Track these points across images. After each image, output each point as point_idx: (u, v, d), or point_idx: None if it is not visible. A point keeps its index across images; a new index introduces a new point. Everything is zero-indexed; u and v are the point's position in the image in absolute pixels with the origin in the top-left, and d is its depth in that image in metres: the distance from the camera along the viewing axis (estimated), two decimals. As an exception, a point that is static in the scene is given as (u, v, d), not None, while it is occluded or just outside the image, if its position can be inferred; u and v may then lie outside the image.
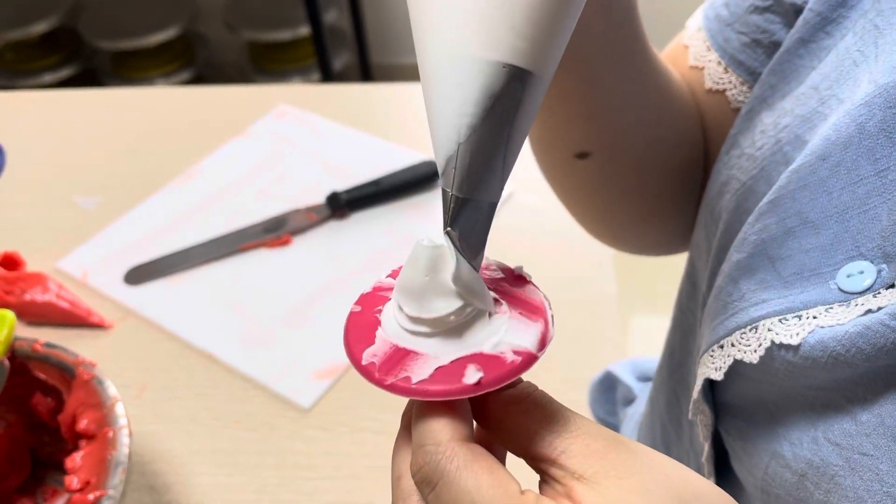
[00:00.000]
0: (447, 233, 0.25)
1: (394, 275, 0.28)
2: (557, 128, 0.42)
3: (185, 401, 0.64)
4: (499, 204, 0.25)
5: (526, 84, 0.24)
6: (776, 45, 0.39)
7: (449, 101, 0.24)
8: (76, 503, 0.48)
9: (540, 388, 0.26)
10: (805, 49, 0.35)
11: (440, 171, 0.25)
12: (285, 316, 0.69)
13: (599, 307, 0.71)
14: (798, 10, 0.37)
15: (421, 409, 0.24)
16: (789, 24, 0.38)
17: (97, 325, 0.69)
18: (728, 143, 0.39)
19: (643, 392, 0.62)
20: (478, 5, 0.23)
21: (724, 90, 0.43)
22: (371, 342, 0.26)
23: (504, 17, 0.23)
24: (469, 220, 0.25)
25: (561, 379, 0.65)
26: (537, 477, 0.25)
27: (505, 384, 0.24)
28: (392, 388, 0.24)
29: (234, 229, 0.77)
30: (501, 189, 0.25)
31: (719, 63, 0.42)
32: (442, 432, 0.23)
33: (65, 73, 2.12)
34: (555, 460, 0.23)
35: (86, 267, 0.74)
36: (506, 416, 0.25)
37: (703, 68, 0.43)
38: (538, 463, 0.24)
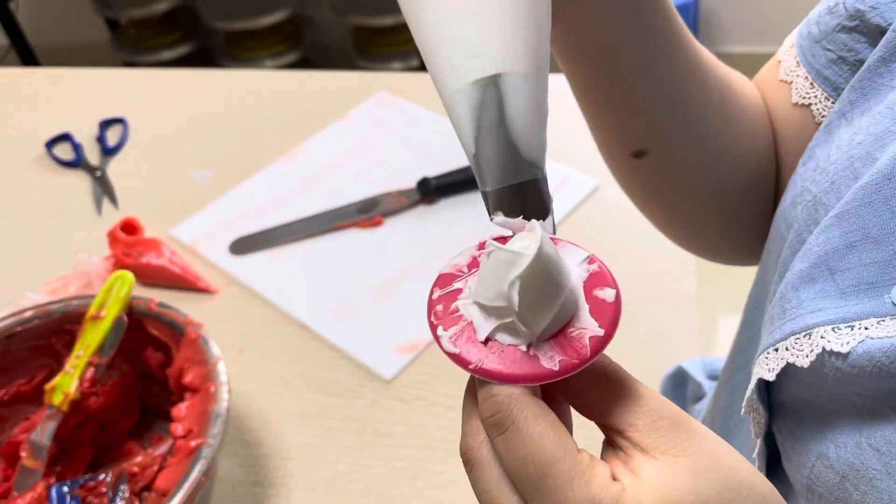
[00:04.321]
0: (492, 219, 0.28)
1: (441, 283, 0.30)
2: (610, 126, 0.45)
3: (279, 365, 0.69)
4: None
5: (500, 85, 0.28)
6: (861, 62, 0.40)
7: (458, 123, 0.29)
8: (179, 448, 0.53)
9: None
10: (886, 68, 0.36)
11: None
12: (373, 292, 0.73)
13: (679, 305, 0.72)
14: (883, 31, 0.38)
15: None
16: (874, 44, 0.39)
17: (204, 290, 0.75)
18: (806, 155, 0.40)
19: (712, 390, 0.63)
20: (442, 45, 0.29)
21: (810, 105, 0.43)
22: (454, 324, 0.28)
23: (460, 45, 0.28)
24: (506, 204, 0.28)
25: (636, 373, 0.66)
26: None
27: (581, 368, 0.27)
28: (480, 373, 0.27)
29: (331, 208, 0.82)
30: (535, 167, 0.28)
31: (806, 78, 0.43)
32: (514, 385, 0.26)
33: (182, 50, 2.24)
34: (622, 431, 0.26)
35: (196, 235, 0.81)
36: (583, 387, 0.27)
37: (791, 83, 0.44)
38: (607, 430, 0.27)
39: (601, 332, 0.27)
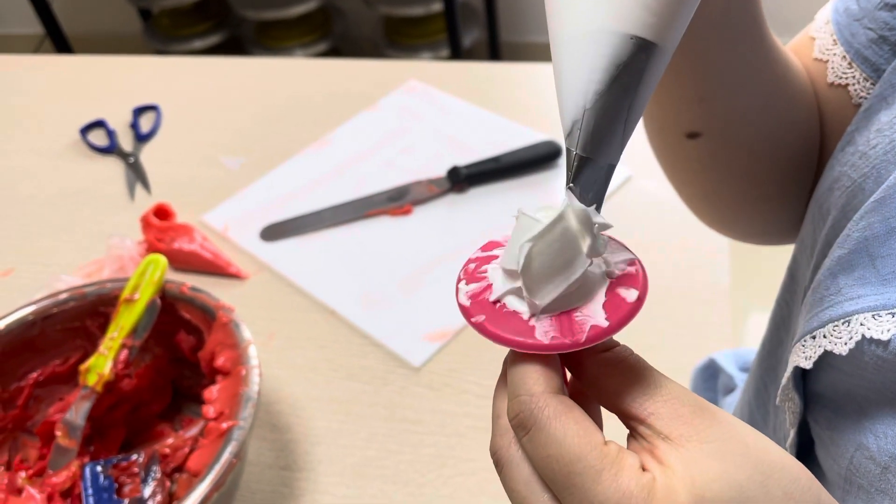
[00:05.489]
0: (569, 188, 0.27)
1: (485, 248, 0.31)
2: (670, 107, 0.44)
3: (308, 351, 0.69)
4: (615, 188, 0.27)
5: (650, 55, 0.26)
6: None
7: (579, 69, 0.27)
8: (211, 430, 0.54)
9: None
10: None
11: (566, 132, 0.27)
12: (402, 280, 0.73)
13: (711, 297, 0.71)
14: None
15: (515, 359, 0.27)
16: None
17: (234, 276, 0.76)
18: (844, 140, 0.39)
19: (743, 382, 0.63)
20: None
21: (847, 85, 0.42)
22: (485, 308, 0.28)
23: None
24: (589, 178, 0.27)
25: (667, 364, 0.65)
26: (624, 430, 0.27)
27: (600, 341, 0.26)
28: (478, 328, 0.27)
29: (361, 196, 0.82)
30: (620, 152, 0.28)
31: (844, 57, 0.42)
32: (536, 384, 0.26)
33: (213, 39, 2.26)
34: (644, 420, 0.25)
35: (227, 221, 0.81)
36: (602, 375, 0.27)
37: (827, 61, 0.43)
38: (628, 420, 0.26)
39: (605, 324, 0.26)
